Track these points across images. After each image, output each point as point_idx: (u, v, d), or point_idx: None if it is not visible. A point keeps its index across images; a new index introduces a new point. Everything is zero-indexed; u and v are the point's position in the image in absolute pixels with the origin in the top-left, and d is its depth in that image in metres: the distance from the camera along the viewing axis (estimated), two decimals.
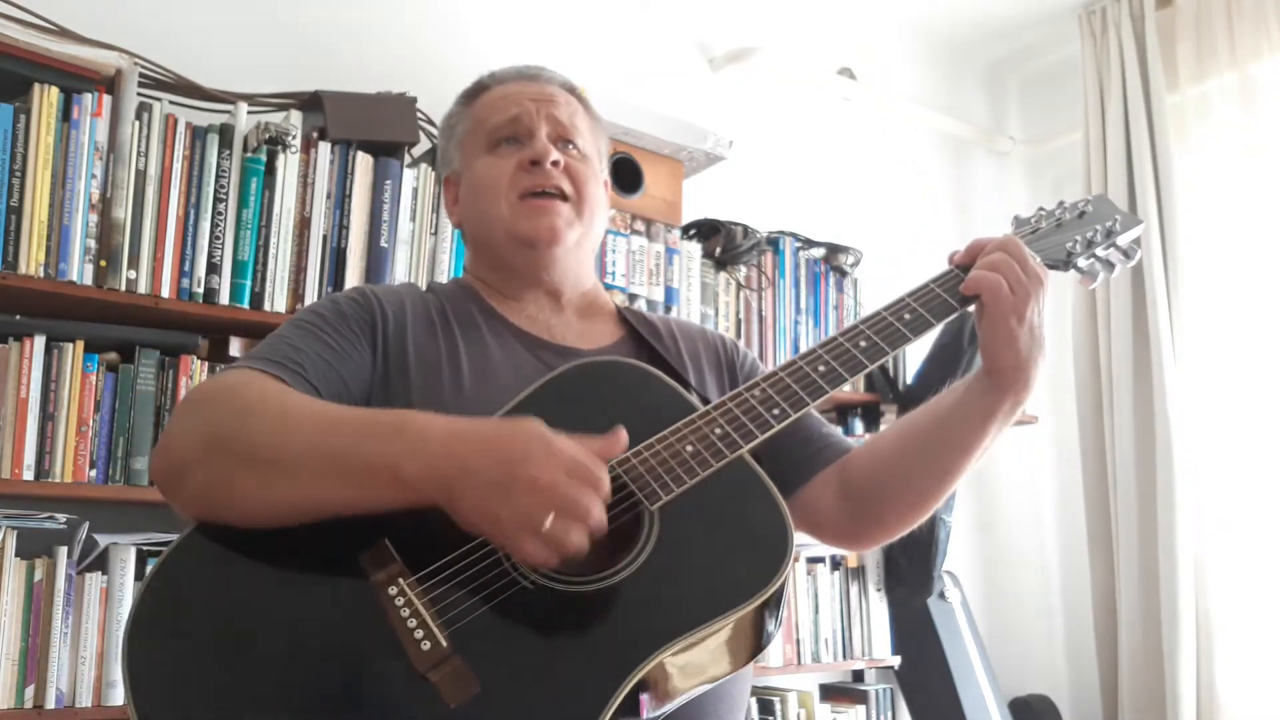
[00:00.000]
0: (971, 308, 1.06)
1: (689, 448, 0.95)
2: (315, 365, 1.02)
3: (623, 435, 0.90)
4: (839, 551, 2.64)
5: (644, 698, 0.85)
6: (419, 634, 0.83)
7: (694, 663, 0.91)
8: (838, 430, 1.24)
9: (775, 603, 0.92)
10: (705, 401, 1.04)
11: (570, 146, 1.21)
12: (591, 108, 1.28)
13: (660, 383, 1.05)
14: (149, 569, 0.90)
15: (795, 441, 1.15)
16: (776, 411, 0.98)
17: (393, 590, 0.85)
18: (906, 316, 1.04)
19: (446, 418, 0.89)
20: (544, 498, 0.81)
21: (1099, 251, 1.15)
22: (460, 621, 0.85)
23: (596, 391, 1.03)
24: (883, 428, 2.69)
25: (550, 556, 0.82)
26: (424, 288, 1.23)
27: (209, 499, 0.91)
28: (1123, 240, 1.17)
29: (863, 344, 1.03)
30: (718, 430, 0.96)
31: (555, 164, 1.17)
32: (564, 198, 1.17)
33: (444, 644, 0.83)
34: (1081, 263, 1.15)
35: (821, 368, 1.01)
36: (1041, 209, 1.19)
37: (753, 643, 0.95)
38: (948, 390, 1.13)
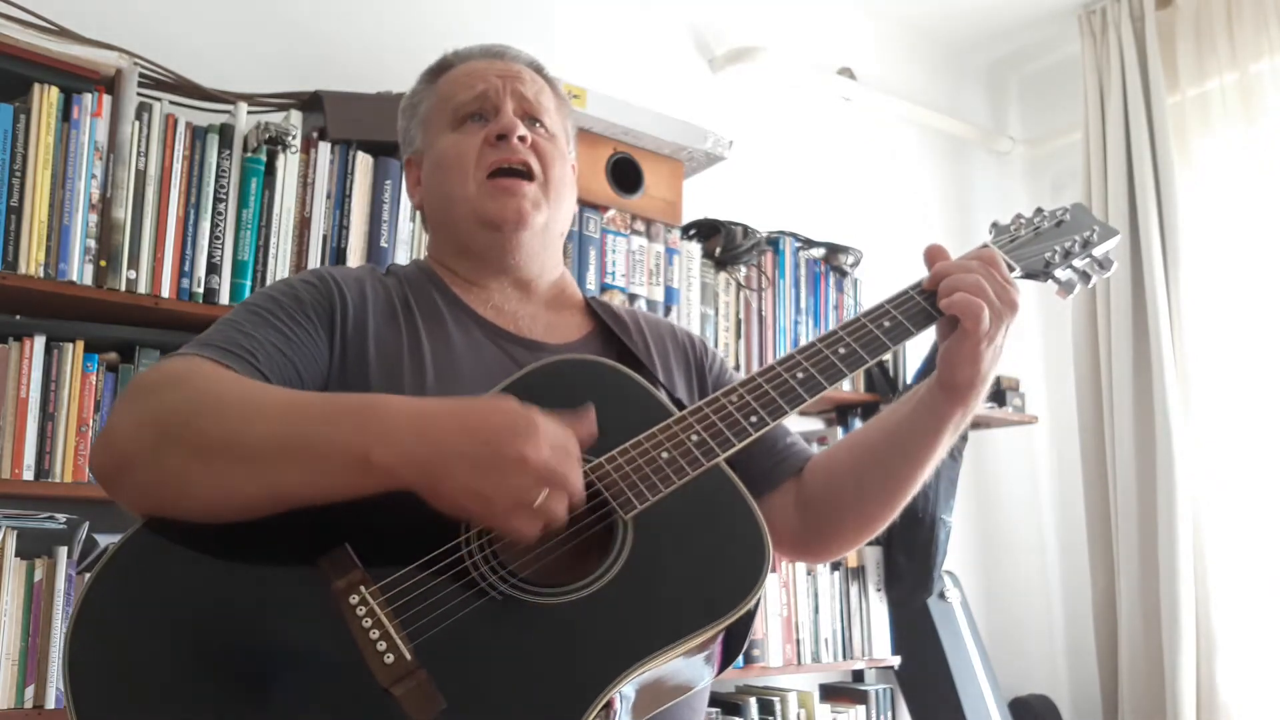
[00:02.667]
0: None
1: (664, 454, 0.92)
2: (268, 354, 0.96)
3: (592, 414, 0.89)
4: None
5: (614, 711, 0.83)
6: (381, 646, 0.79)
7: (666, 677, 0.88)
8: (799, 438, 1.22)
9: (752, 615, 0.90)
10: (675, 402, 1.00)
11: (537, 124, 1.17)
12: (559, 88, 1.25)
13: (634, 384, 1.01)
14: (93, 568, 0.85)
15: (760, 452, 1.12)
16: (754, 419, 0.95)
17: (354, 599, 0.81)
18: (886, 324, 1.02)
19: (413, 399, 0.87)
20: (535, 474, 0.79)
21: (1076, 263, 1.14)
22: (425, 634, 0.81)
23: (568, 391, 0.99)
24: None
25: (538, 529, 0.81)
26: (383, 270, 1.18)
27: (160, 493, 0.85)
28: (1099, 251, 1.15)
29: (842, 351, 1.00)
30: (694, 437, 0.93)
31: (522, 139, 1.13)
32: (530, 176, 1.13)
33: (408, 657, 0.79)
34: (1059, 274, 1.13)
35: (800, 374, 0.98)
36: (1020, 216, 1.17)
37: (728, 654, 0.94)
38: (897, 402, 1.11)
